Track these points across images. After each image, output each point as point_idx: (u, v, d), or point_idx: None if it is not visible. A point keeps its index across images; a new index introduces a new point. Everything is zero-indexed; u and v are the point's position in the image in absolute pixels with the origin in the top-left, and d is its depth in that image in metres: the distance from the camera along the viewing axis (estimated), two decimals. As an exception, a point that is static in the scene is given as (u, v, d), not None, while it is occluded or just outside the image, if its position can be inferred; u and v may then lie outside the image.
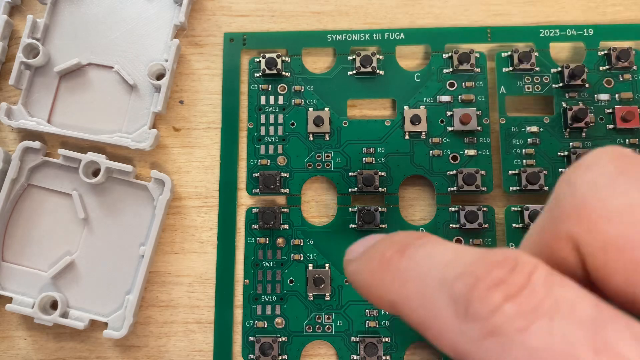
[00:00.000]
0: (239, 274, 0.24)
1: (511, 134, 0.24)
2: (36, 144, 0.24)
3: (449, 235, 0.23)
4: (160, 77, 0.25)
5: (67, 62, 0.25)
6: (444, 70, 0.25)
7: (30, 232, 0.24)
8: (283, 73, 0.25)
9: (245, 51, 0.26)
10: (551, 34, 0.25)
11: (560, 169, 0.24)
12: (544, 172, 0.23)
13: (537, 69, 0.24)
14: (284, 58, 0.25)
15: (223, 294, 0.24)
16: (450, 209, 0.24)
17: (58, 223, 0.24)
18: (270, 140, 0.25)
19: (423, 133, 0.24)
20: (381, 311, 0.23)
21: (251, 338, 0.23)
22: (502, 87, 0.25)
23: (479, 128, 0.24)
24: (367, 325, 0.23)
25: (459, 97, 0.24)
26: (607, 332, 0.11)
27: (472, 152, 0.24)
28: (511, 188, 0.24)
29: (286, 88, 0.25)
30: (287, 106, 0.25)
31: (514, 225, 0.23)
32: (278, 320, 0.23)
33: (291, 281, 0.24)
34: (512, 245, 0.23)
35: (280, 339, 0.23)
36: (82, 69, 0.25)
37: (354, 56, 0.25)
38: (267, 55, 0.25)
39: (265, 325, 0.23)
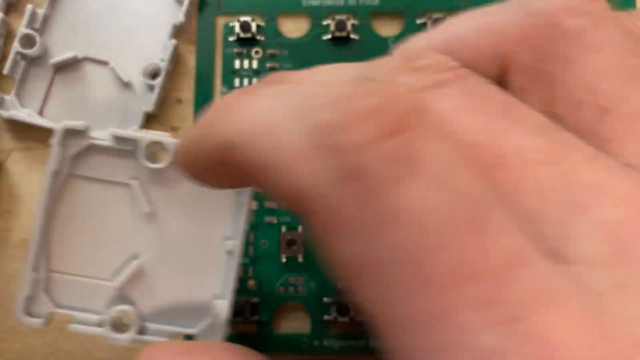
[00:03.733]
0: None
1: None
2: (80, 125, 0.19)
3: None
4: (155, 76, 0.24)
5: (63, 54, 0.24)
6: (418, 36, 0.25)
7: (82, 235, 0.19)
8: (257, 37, 0.25)
9: (220, 16, 0.26)
10: (523, 2, 0.25)
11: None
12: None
13: (510, 35, 0.25)
14: (258, 22, 0.25)
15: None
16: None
17: (116, 221, 0.19)
18: (244, 104, 0.25)
19: (397, 98, 0.24)
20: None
21: (223, 300, 0.23)
22: (475, 53, 0.25)
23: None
24: (339, 287, 0.23)
25: (433, 62, 0.25)
26: None
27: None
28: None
29: (261, 52, 0.25)
30: (261, 70, 0.25)
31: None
32: (250, 282, 0.23)
33: (264, 243, 0.24)
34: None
35: (252, 301, 0.23)
36: (77, 63, 0.25)
37: (329, 21, 0.25)
38: (242, 19, 0.25)
39: (238, 287, 0.23)
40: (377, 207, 0.09)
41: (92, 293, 0.19)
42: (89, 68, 0.25)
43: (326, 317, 0.23)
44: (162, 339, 0.18)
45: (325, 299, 0.23)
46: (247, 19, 0.25)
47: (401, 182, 0.08)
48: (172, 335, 0.19)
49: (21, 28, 0.24)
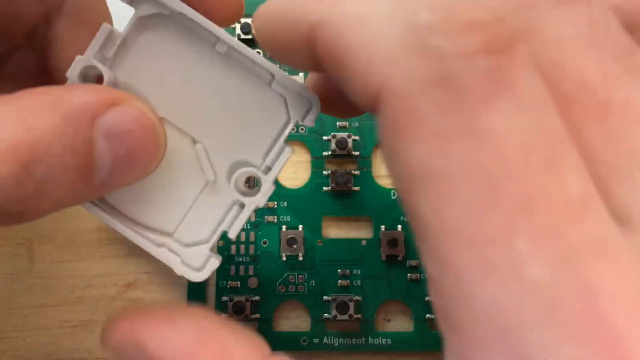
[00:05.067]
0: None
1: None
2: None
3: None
4: None
5: None
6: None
7: (147, 186, 0.16)
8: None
9: (220, 17, 0.26)
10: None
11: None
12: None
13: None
14: (259, 24, 0.25)
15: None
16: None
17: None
18: (245, 104, 0.25)
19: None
20: (353, 271, 0.23)
21: (224, 298, 0.23)
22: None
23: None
24: (339, 285, 0.23)
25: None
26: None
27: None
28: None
29: (261, 53, 0.25)
30: (262, 71, 0.25)
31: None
32: (251, 281, 0.24)
33: (265, 242, 0.24)
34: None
35: (253, 299, 0.23)
36: None
37: (329, 23, 0.25)
38: (242, 20, 0.25)
39: (239, 285, 0.23)
40: (461, 119, 0.09)
41: (211, 205, 0.16)
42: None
43: (326, 315, 0.23)
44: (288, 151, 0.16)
45: (325, 297, 0.23)
46: (248, 20, 0.25)
47: (490, 102, 0.09)
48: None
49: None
